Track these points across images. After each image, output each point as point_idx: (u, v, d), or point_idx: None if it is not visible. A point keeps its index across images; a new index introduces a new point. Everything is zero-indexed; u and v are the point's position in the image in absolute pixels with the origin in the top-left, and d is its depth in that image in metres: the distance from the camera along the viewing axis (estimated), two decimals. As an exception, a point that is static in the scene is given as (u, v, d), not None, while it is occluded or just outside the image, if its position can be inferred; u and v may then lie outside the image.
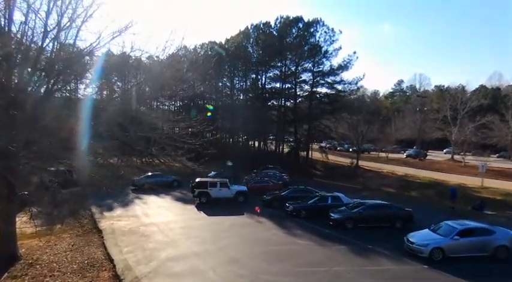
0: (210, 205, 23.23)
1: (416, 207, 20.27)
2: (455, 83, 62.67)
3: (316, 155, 48.26)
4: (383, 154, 51.40)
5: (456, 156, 46.39)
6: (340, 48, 41.64)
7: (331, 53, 41.75)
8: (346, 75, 49.52)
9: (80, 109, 12.59)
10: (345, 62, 41.28)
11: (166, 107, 60.04)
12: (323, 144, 57.97)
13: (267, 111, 47.98)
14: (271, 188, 26.78)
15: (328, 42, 41.49)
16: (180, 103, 55.56)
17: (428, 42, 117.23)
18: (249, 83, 48.99)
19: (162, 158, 14.61)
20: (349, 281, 11.66)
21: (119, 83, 20.21)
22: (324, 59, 41.83)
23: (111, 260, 13.18)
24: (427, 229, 15.14)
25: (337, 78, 42.48)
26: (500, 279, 12.31)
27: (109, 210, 21.68)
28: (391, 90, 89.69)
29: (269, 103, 48.48)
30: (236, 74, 49.98)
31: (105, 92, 16.81)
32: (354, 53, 41.49)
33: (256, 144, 52.00)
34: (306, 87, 44.76)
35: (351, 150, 54.93)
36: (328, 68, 42.18)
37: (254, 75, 48.74)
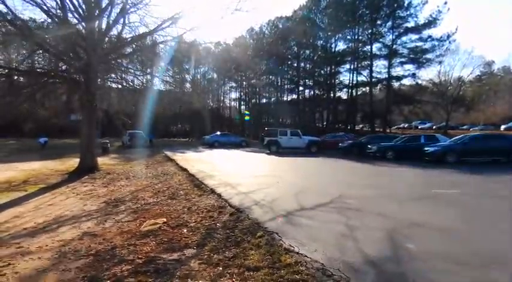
0: (280, 154, 21.82)
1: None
2: None
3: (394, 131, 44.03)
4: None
5: None
6: (427, 1, 36.46)
7: (416, 7, 36.73)
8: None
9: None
10: (433, 17, 35.98)
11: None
12: (401, 125, 53.17)
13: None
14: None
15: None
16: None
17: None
18: (318, 52, 46.52)
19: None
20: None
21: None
22: (406, 13, 37.08)
23: (185, 170, 12.73)
24: None
25: (424, 35, 37.23)
26: None
27: (182, 153, 21.81)
28: (479, 73, 78.90)
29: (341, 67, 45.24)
30: (303, 44, 47.93)
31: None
32: (445, 3, 35.63)
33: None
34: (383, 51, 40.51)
35: (434, 127, 49.65)
36: (413, 25, 37.09)
37: (322, 42, 46.21)
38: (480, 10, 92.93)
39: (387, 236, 4.62)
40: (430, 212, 6.02)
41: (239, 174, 11.72)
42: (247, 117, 48.53)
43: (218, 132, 32.30)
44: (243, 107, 61.61)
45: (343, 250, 4.04)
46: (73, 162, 14.37)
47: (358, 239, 4.44)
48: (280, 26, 50.05)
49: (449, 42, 36.70)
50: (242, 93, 60.84)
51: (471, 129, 47.50)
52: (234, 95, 63.43)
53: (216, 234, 4.80)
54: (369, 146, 18.92)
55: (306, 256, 3.80)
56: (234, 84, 60.31)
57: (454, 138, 16.81)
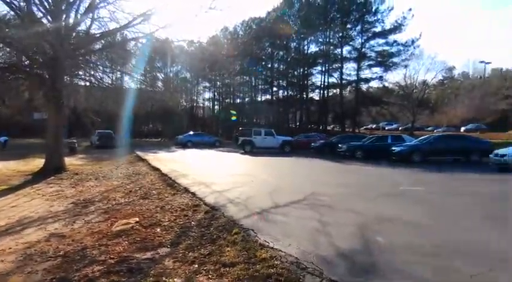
0: (254, 154, 21.93)
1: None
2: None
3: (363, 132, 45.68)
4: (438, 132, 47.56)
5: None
6: (392, 8, 38.29)
7: (383, 13, 38.46)
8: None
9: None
10: (398, 22, 37.82)
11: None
12: (369, 126, 55.28)
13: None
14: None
15: (379, 0, 38.33)
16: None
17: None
18: (291, 53, 47.24)
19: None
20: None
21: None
22: (374, 18, 38.72)
23: (157, 169, 12.50)
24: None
25: (390, 40, 39.05)
26: None
27: (154, 153, 21.34)
28: (441, 78, 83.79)
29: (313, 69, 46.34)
30: (277, 45, 48.48)
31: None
32: (410, 10, 37.79)
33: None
34: (353, 54, 41.89)
35: (400, 128, 52.01)
36: (380, 30, 38.84)
37: (296, 44, 46.99)
38: (442, 18, 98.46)
39: (358, 231, 4.81)
40: (398, 208, 6.33)
41: (213, 173, 11.68)
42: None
43: (191, 132, 31.91)
44: (216, 107, 61.31)
45: (316, 244, 4.16)
46: (37, 163, 13.66)
47: (331, 234, 4.59)
48: (254, 27, 50.30)
49: (414, 48, 38.73)
50: (216, 93, 60.43)
51: (435, 131, 50.15)
52: (207, 94, 62.89)
53: (191, 232, 4.78)
54: (340, 146, 19.51)
55: (281, 251, 3.88)
56: (207, 84, 59.69)
57: (419, 139, 17.73)
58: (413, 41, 38.32)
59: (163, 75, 48.31)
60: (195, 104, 61.89)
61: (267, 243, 4.12)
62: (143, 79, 17.35)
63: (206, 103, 64.50)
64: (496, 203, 7.00)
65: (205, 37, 55.45)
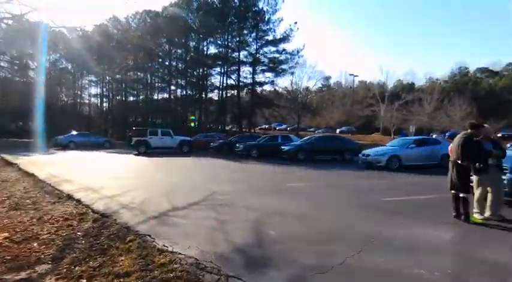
0: (150, 155, 20.84)
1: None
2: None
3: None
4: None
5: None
6: (282, 19, 41.88)
7: (274, 23, 41.73)
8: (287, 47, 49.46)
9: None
10: (287, 33, 41.61)
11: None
12: (263, 126, 59.13)
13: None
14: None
15: (271, 11, 41.41)
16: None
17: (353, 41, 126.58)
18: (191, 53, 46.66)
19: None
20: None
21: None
22: (267, 27, 41.62)
23: (31, 175, 10.66)
24: (379, 147, 15.50)
25: (280, 48, 42.58)
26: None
27: (26, 156, 18.04)
28: (320, 85, 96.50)
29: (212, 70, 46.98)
30: (175, 43, 47.12)
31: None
32: (295, 23, 41.98)
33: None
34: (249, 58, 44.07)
35: (288, 129, 57.38)
36: (271, 38, 42.05)
37: (195, 44, 46.67)
38: (322, 33, 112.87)
39: (253, 226, 5.16)
40: (286, 203, 7.02)
41: (102, 176, 10.64)
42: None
43: (74, 132, 28.15)
44: (105, 104, 55.70)
45: (215, 243, 4.29)
46: None
47: (228, 231, 4.80)
48: (149, 21, 47.69)
49: (299, 57, 43.31)
50: (105, 89, 54.92)
51: (316, 131, 57.17)
52: (94, 90, 56.57)
53: (76, 244, 4.29)
54: (237, 145, 20.31)
55: (180, 253, 3.87)
56: (94, 78, 53.68)
57: (303, 139, 19.87)
58: (298, 51, 42.81)
59: (36, 64, 41.19)
60: (79, 100, 54.86)
61: (166, 248, 4.05)
62: (9, 67, 14.47)
63: (93, 99, 57.96)
64: (364, 194, 8.45)
65: (91, 25, 49.95)
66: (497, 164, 5.66)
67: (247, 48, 44.19)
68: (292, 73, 44.49)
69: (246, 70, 45.75)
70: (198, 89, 48.54)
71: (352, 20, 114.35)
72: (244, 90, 47.95)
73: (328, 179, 11.37)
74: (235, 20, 42.81)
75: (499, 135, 36.18)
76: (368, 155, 14.45)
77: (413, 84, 76.51)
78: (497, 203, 5.62)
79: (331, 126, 60.27)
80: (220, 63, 45.82)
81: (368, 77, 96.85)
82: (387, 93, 54.92)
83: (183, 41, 46.44)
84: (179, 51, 49.12)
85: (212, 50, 46.87)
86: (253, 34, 43.02)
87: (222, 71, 46.14)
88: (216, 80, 48.90)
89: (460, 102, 42.72)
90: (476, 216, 5.58)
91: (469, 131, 5.70)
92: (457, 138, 5.71)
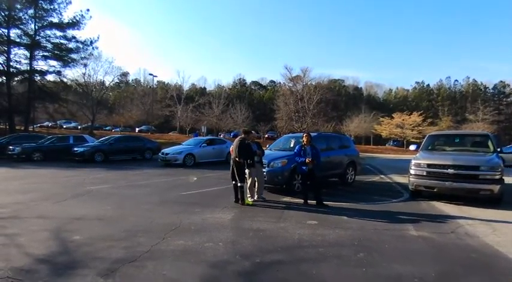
0: None
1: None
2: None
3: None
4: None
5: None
6: (71, 2, 36.55)
7: (60, 4, 35.70)
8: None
9: None
10: (77, 19, 36.67)
11: None
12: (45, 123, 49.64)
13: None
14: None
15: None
16: None
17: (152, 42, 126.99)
18: None
19: None
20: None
21: None
22: (50, 7, 35.10)
23: None
24: (177, 145, 16.96)
25: (68, 34, 36.92)
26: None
27: None
28: (118, 81, 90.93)
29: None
30: None
31: None
32: (88, 10, 37.73)
33: None
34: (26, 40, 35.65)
35: (80, 127, 51.01)
36: (57, 21, 35.76)
37: None
38: (114, 29, 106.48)
39: (53, 235, 4.94)
40: (87, 207, 6.89)
41: None
42: None
43: None
44: None
45: (8, 259, 3.93)
46: None
47: (23, 245, 4.43)
48: None
49: (93, 48, 39.04)
50: None
51: (113, 131, 53.48)
52: None
53: None
54: (11, 148, 16.49)
55: (-39, 279, 3.36)
56: None
57: (101, 139, 18.70)
58: (91, 42, 38.56)
59: None
60: None
61: None
62: None
63: None
64: (165, 190, 9.30)
65: None
66: (260, 160, 7.94)
67: (21, 26, 35.50)
68: (85, 65, 39.92)
69: (20, 53, 36.63)
70: None
71: (140, 20, 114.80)
72: (18, 78, 38.36)
73: (130, 178, 11.52)
74: (4, -13, 33.49)
75: (266, 136, 46.97)
76: (167, 154, 15.54)
77: (205, 88, 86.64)
78: (261, 189, 7.89)
79: (130, 125, 58.00)
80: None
81: (166, 78, 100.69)
82: (183, 95, 59.08)
83: None
84: None
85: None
86: (31, 11, 35.17)
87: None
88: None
89: (241, 107, 51.58)
90: (249, 200, 7.61)
91: (242, 135, 7.69)
92: (236, 141, 7.59)
